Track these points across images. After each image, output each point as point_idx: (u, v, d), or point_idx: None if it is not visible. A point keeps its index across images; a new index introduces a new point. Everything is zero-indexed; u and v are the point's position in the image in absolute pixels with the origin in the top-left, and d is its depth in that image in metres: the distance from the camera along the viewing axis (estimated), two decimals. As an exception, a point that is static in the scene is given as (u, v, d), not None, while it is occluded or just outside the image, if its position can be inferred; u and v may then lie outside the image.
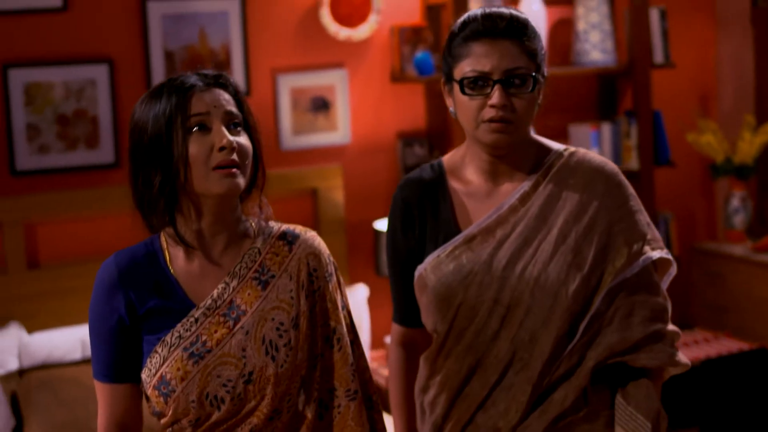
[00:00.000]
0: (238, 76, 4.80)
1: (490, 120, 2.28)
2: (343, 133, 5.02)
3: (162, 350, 2.11)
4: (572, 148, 2.43)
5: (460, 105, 2.33)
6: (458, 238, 2.36)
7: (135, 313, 2.14)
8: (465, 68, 2.30)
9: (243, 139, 2.14)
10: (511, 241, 2.33)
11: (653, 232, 2.39)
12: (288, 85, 4.91)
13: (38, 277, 4.40)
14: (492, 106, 2.27)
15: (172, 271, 2.17)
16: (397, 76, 5.05)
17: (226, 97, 2.16)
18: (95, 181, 4.57)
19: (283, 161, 4.93)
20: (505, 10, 2.32)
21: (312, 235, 2.27)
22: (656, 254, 2.36)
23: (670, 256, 2.40)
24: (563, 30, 5.37)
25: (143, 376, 2.14)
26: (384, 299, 4.76)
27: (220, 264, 2.18)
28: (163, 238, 2.20)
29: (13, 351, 4.22)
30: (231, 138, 2.10)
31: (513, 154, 2.36)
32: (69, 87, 4.54)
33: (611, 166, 2.42)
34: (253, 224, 2.25)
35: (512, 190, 2.37)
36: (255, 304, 2.15)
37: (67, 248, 4.50)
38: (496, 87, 2.27)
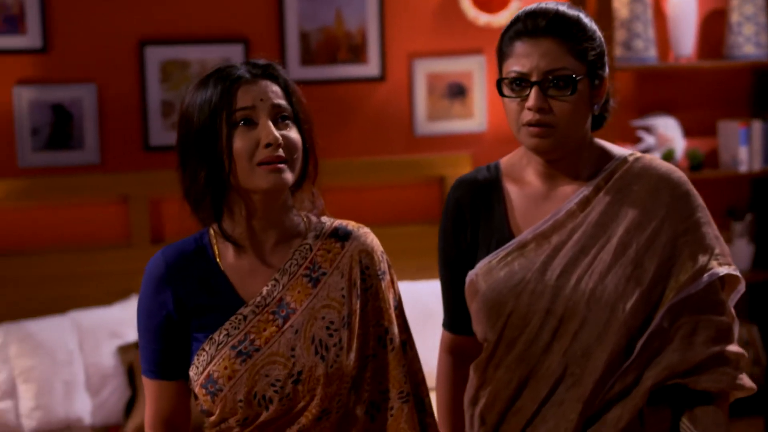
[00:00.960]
0: (373, 60, 4.76)
1: (528, 124, 2.16)
2: (478, 120, 4.92)
3: (209, 348, 2.07)
4: (638, 154, 2.29)
5: (505, 106, 2.22)
6: (511, 244, 2.24)
7: (184, 309, 2.10)
8: (508, 68, 2.19)
9: (291, 133, 2.07)
10: (567, 249, 2.20)
11: (722, 246, 2.23)
12: (424, 70, 4.83)
13: (162, 251, 4.44)
14: (528, 109, 2.15)
15: (221, 266, 2.12)
16: (537, 65, 4.92)
17: (274, 89, 2.08)
18: (225, 160, 4.60)
19: (415, 147, 4.87)
20: (552, 6, 2.19)
21: (365, 232, 2.18)
22: (723, 270, 2.20)
23: (737, 272, 2.24)
24: (716, 22, 5.14)
25: (191, 373, 2.10)
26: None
27: (271, 260, 2.12)
28: (212, 233, 2.15)
29: (133, 323, 4.27)
30: (277, 134, 2.03)
31: (569, 158, 2.23)
32: (204, 65, 4.58)
33: (679, 174, 2.26)
34: (304, 219, 2.17)
35: (571, 194, 2.24)
36: (305, 302, 2.09)
37: (191, 224, 4.52)
38: (534, 89, 2.15)
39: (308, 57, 4.72)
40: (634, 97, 5.12)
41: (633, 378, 2.16)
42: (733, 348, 2.21)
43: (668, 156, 4.95)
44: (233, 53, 4.61)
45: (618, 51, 4.81)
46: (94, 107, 4.52)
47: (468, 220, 2.31)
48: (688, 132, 5.11)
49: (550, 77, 2.14)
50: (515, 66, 2.17)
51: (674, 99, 5.14)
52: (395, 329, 2.15)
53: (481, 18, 4.84)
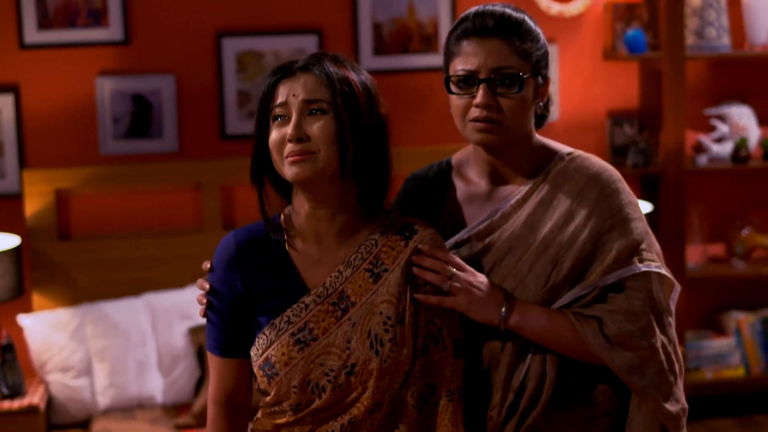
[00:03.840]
0: (445, 50, 4.81)
1: (475, 120, 2.22)
2: (550, 109, 4.94)
3: (270, 333, 2.13)
4: (576, 152, 2.33)
5: (451, 104, 2.28)
6: (450, 242, 2.30)
7: (250, 291, 2.17)
8: (456, 66, 2.25)
9: (320, 126, 2.09)
10: (495, 249, 2.27)
11: (649, 243, 2.26)
12: (496, 59, 4.87)
13: (234, 237, 4.57)
14: (476, 106, 2.22)
15: (289, 253, 2.18)
16: (609, 54, 4.93)
17: (310, 83, 2.11)
18: (299, 148, 4.71)
19: (486, 136, 4.91)
20: (498, 9, 2.25)
21: (431, 232, 2.22)
22: (642, 267, 2.23)
23: (660, 270, 2.25)
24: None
25: (251, 353, 2.17)
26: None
27: (337, 252, 2.17)
28: (282, 218, 2.21)
29: (204, 305, 4.41)
30: (293, 131, 2.08)
31: (512, 156, 2.29)
32: (279, 56, 4.69)
33: (610, 173, 2.30)
34: (371, 213, 2.20)
35: (510, 194, 2.31)
36: (365, 296, 2.14)
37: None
38: (482, 86, 2.21)
39: (381, 47, 4.80)
40: (707, 86, 5.11)
41: (541, 369, 2.23)
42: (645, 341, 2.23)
43: (741, 145, 4.93)
44: (307, 44, 4.71)
45: (690, 39, 4.79)
46: (172, 97, 4.66)
47: (415, 214, 2.35)
48: (763, 121, 5.08)
49: (497, 75, 2.21)
50: (463, 64, 2.23)
51: (749, 87, 5.11)
52: (449, 328, 2.19)
53: (554, 7, 4.87)
